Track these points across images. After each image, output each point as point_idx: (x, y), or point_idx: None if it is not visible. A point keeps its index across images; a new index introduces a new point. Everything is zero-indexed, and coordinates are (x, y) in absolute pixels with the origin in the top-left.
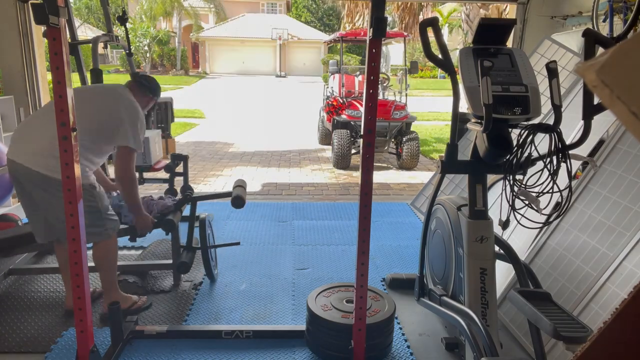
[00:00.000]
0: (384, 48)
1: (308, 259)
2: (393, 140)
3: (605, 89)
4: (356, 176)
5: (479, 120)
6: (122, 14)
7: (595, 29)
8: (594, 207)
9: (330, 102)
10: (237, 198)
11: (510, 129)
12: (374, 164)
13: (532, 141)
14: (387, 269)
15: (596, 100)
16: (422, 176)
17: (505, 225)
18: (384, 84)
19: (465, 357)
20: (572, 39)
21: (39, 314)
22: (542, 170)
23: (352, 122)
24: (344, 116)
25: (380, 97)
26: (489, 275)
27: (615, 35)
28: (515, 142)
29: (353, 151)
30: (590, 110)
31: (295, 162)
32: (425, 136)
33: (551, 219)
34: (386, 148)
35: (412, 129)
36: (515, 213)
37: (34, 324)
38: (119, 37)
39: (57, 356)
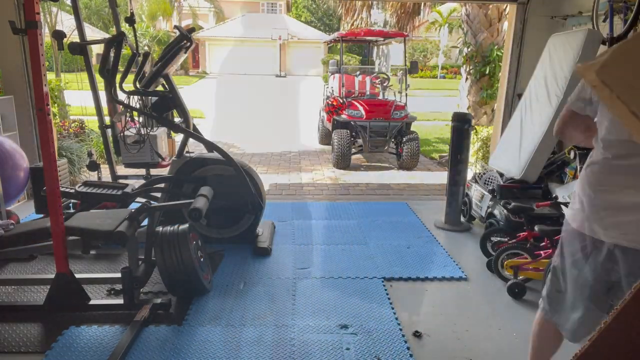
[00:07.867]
0: (384, 48)
1: (308, 258)
2: (393, 140)
3: (605, 89)
4: (356, 176)
5: None
6: (130, 15)
7: (595, 29)
8: None
9: (330, 102)
10: (194, 210)
11: None
12: (374, 163)
13: None
14: (387, 268)
15: None
16: (422, 176)
17: None
18: (384, 84)
19: None
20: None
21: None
22: None
23: (352, 122)
24: (344, 116)
25: (380, 97)
26: None
27: (615, 35)
28: None
29: (353, 151)
30: None
31: (295, 162)
32: (425, 136)
33: None
34: (386, 148)
35: (412, 129)
36: None
37: (35, 323)
38: (128, 38)
39: (58, 355)
